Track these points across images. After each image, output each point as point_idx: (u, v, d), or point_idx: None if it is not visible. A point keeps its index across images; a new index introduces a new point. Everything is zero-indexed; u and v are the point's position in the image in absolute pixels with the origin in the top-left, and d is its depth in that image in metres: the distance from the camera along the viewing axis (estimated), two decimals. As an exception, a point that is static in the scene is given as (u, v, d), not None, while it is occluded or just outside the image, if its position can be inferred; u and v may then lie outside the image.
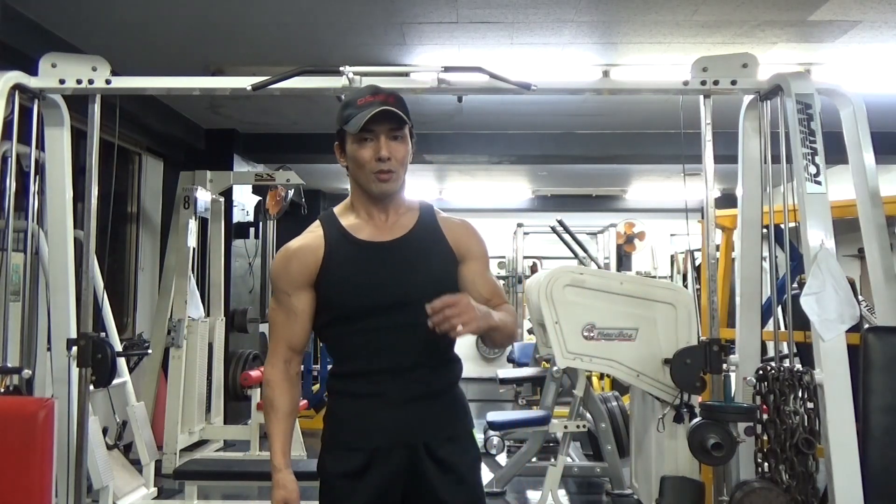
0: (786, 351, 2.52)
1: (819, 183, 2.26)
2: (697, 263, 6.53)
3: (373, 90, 1.69)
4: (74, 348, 2.48)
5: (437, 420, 1.70)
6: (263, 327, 7.20)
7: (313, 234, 1.74)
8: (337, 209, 1.79)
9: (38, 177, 2.62)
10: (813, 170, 2.27)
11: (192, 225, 5.11)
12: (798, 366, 2.27)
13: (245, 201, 6.52)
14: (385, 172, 1.66)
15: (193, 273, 5.26)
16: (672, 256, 8.80)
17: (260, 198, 6.62)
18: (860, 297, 3.87)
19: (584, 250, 7.40)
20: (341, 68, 2.48)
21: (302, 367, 1.81)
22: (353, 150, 1.68)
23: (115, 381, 3.32)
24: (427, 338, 1.64)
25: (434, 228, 1.75)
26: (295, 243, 1.74)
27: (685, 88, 2.53)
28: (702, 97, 2.53)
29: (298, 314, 1.70)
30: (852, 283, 2.68)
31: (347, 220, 1.74)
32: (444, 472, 1.66)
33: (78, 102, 2.59)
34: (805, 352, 2.51)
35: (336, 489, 1.67)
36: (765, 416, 2.27)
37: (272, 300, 1.76)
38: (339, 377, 1.74)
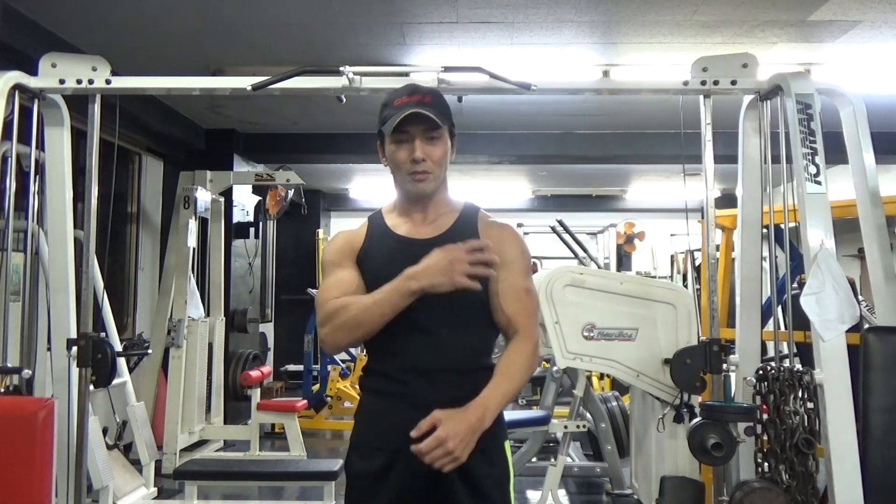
0: (786, 351, 2.52)
1: (819, 183, 2.26)
2: (697, 263, 6.53)
3: (410, 90, 1.68)
4: (74, 348, 2.48)
5: None
6: (263, 327, 7.21)
7: (359, 229, 1.78)
8: (384, 208, 1.80)
9: (38, 177, 2.62)
10: (813, 170, 2.27)
11: (192, 225, 5.11)
12: (798, 366, 2.27)
13: (245, 201, 6.52)
14: (420, 173, 1.65)
15: (193, 273, 5.26)
16: (672, 256, 8.80)
17: (260, 198, 6.62)
18: (860, 297, 3.87)
19: (584, 250, 7.39)
20: (341, 68, 2.48)
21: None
22: (390, 152, 1.68)
23: (115, 381, 3.32)
24: (457, 341, 1.64)
25: (471, 230, 1.71)
26: (343, 234, 1.78)
27: (685, 88, 2.53)
28: (702, 97, 2.53)
29: (352, 280, 1.67)
30: (852, 283, 2.68)
31: (390, 219, 1.76)
32: (467, 483, 1.60)
33: (78, 102, 2.59)
34: (805, 352, 2.51)
35: (359, 489, 1.65)
36: (765, 416, 2.27)
37: (323, 281, 1.74)
38: (369, 374, 1.73)
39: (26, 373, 2.51)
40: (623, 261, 8.56)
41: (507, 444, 1.71)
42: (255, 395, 5.36)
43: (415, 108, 1.62)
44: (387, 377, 1.66)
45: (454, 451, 1.46)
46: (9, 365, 2.49)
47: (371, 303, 1.59)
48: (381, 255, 1.69)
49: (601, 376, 6.38)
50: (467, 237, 1.67)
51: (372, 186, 9.23)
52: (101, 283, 3.60)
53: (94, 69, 2.51)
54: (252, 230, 6.53)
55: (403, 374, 1.64)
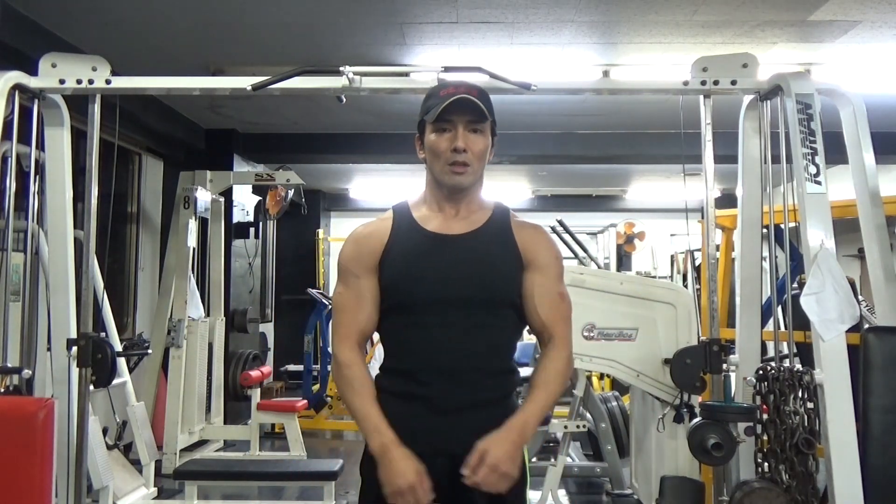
0: (786, 351, 2.52)
1: (819, 183, 2.26)
2: (697, 263, 6.53)
3: (457, 83, 1.66)
4: (74, 348, 2.48)
5: (487, 432, 1.58)
6: (263, 327, 7.20)
7: (383, 221, 1.70)
8: (411, 201, 1.73)
9: (38, 177, 2.62)
10: (813, 170, 2.27)
11: (192, 225, 5.11)
12: (798, 366, 2.27)
13: (245, 201, 6.52)
14: (460, 164, 1.61)
15: (193, 273, 5.26)
16: (672, 256, 8.80)
17: (260, 198, 6.62)
18: (860, 297, 3.87)
19: (584, 250, 7.39)
20: (341, 68, 2.48)
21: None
22: (430, 140, 1.64)
23: (115, 381, 3.32)
24: (485, 341, 1.61)
25: (505, 229, 1.69)
26: (365, 228, 1.70)
27: (685, 88, 2.52)
28: (702, 97, 2.53)
29: (368, 298, 1.64)
30: (852, 283, 2.68)
31: (418, 212, 1.69)
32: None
33: (78, 102, 2.59)
34: (805, 352, 2.51)
35: (376, 492, 1.60)
36: (765, 416, 2.27)
37: (339, 284, 1.69)
38: (388, 374, 1.67)
39: (26, 373, 2.51)
40: (623, 261, 8.58)
41: (525, 448, 1.69)
42: (255, 395, 5.36)
43: (462, 96, 1.59)
44: (408, 378, 1.61)
45: (508, 472, 1.52)
46: (9, 365, 2.49)
47: (358, 406, 1.60)
48: (407, 251, 1.64)
49: (601, 376, 6.38)
50: (500, 235, 1.67)
51: (372, 186, 9.23)
52: (101, 283, 3.60)
53: (94, 69, 2.51)
54: (252, 230, 6.53)
55: (426, 375, 1.60)
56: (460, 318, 1.59)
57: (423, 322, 1.60)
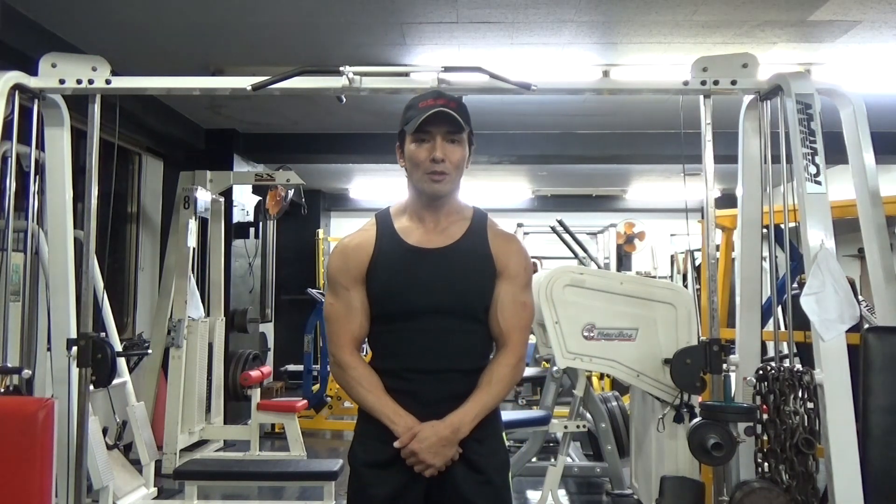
0: (786, 351, 2.52)
1: (819, 183, 2.26)
2: (697, 263, 6.54)
3: (436, 94, 1.77)
4: (74, 348, 2.47)
5: None
6: (263, 327, 7.20)
7: (367, 232, 1.80)
8: (393, 208, 1.84)
9: (38, 177, 2.62)
10: (813, 170, 2.27)
11: (192, 225, 5.10)
12: (798, 366, 2.27)
13: (245, 201, 6.52)
14: (438, 174, 1.71)
15: (193, 273, 5.26)
16: (672, 256, 8.80)
17: (260, 198, 6.62)
18: (860, 297, 3.87)
19: (584, 250, 7.39)
20: (341, 68, 2.48)
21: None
22: (410, 150, 1.74)
23: (115, 381, 3.32)
24: (462, 344, 1.74)
25: (482, 240, 1.78)
26: (351, 240, 1.80)
27: (685, 88, 2.52)
28: (702, 97, 2.53)
29: (358, 308, 1.76)
30: (852, 283, 2.68)
31: (400, 222, 1.80)
32: (471, 471, 1.71)
33: (78, 102, 2.58)
34: (805, 352, 2.51)
35: (363, 477, 1.73)
36: (765, 416, 2.27)
37: (329, 295, 1.80)
38: (378, 373, 1.78)
39: (26, 373, 2.51)
40: (623, 261, 8.57)
41: (504, 435, 1.83)
42: (255, 395, 5.36)
43: (440, 109, 1.69)
44: (393, 375, 1.74)
45: (425, 460, 1.64)
46: (9, 365, 2.49)
47: (373, 401, 1.71)
48: (391, 266, 1.74)
49: (601, 376, 6.38)
50: (477, 247, 1.77)
51: (372, 186, 9.23)
52: (101, 283, 3.60)
53: (94, 69, 2.51)
54: (252, 230, 6.53)
55: (410, 374, 1.73)
56: (438, 325, 1.72)
57: (405, 328, 1.73)
